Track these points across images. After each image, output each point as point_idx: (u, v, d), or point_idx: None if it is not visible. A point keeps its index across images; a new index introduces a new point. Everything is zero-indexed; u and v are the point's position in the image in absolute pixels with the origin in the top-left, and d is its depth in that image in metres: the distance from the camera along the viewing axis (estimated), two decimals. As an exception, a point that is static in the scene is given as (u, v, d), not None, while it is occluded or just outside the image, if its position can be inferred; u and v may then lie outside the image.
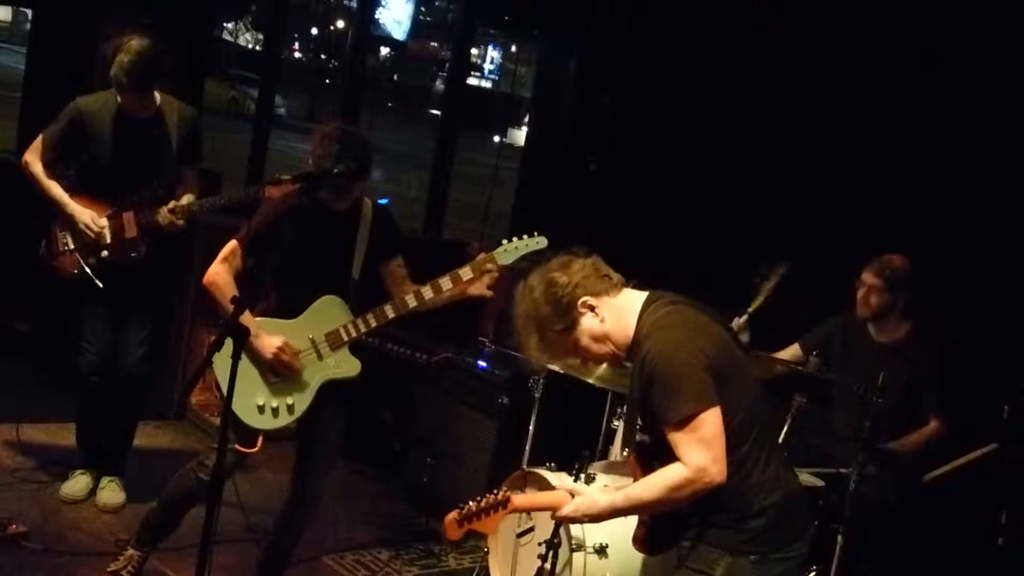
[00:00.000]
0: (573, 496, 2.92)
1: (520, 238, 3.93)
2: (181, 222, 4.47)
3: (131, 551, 4.05)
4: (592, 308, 2.90)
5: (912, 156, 5.21)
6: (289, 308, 3.85)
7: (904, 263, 4.62)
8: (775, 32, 5.74)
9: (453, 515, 2.90)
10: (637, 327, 2.87)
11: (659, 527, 2.95)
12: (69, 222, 4.49)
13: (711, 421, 2.69)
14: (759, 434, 2.85)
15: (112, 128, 4.46)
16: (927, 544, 4.70)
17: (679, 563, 2.91)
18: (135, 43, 4.27)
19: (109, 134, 4.46)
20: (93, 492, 4.80)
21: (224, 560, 4.03)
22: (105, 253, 4.48)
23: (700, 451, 2.68)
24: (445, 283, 3.84)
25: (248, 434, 3.78)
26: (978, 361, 4.82)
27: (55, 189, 4.50)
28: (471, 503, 2.90)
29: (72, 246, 4.51)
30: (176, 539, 4.17)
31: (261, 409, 3.80)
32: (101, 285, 4.47)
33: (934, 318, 4.66)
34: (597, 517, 2.91)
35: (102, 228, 4.45)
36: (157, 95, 4.51)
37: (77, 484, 4.78)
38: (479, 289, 3.85)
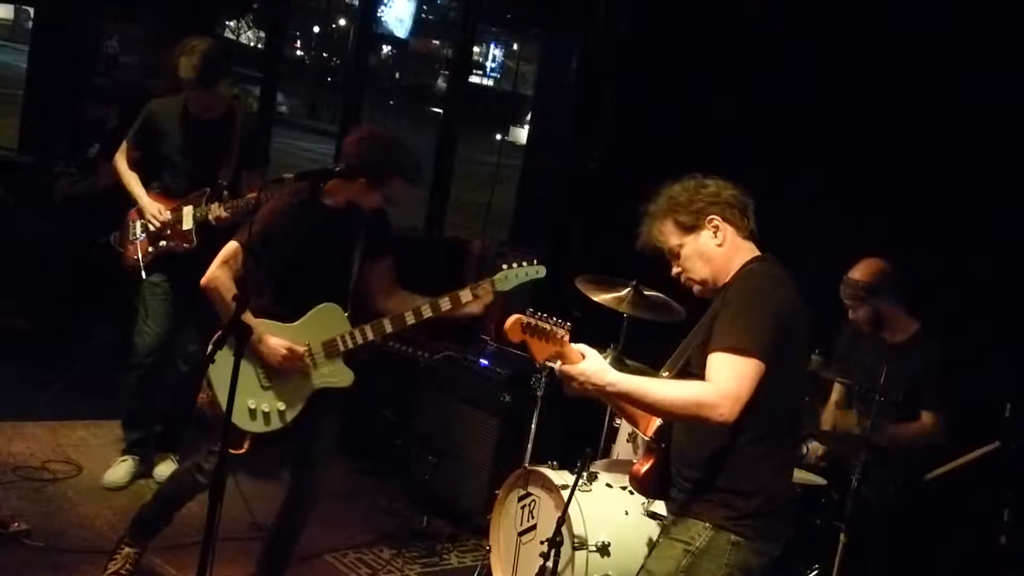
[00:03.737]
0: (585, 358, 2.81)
1: (520, 265, 3.91)
2: (226, 216, 4.68)
3: (126, 548, 4.06)
4: (717, 228, 2.97)
5: (912, 155, 5.20)
6: (284, 309, 3.84)
7: (868, 269, 4.48)
8: (775, 32, 5.72)
9: (522, 317, 2.77)
10: (737, 271, 2.94)
11: (665, 474, 2.96)
12: (141, 213, 4.87)
13: (755, 369, 2.72)
14: (793, 424, 2.95)
15: (179, 128, 4.85)
16: (929, 543, 4.69)
17: (662, 534, 2.99)
18: (199, 43, 4.65)
19: (176, 133, 4.85)
20: (135, 479, 4.94)
21: (227, 558, 4.03)
22: (163, 243, 4.83)
23: (734, 383, 2.71)
24: (444, 304, 3.85)
25: (237, 435, 3.77)
26: (980, 359, 4.80)
27: (132, 184, 4.91)
28: (544, 318, 2.78)
29: (139, 235, 4.87)
30: (178, 537, 4.17)
31: (253, 412, 3.80)
32: (144, 276, 4.83)
33: (937, 316, 4.65)
34: (602, 388, 2.78)
35: (166, 220, 4.80)
36: (226, 98, 4.89)
37: (119, 471, 4.93)
38: (473, 308, 3.88)
